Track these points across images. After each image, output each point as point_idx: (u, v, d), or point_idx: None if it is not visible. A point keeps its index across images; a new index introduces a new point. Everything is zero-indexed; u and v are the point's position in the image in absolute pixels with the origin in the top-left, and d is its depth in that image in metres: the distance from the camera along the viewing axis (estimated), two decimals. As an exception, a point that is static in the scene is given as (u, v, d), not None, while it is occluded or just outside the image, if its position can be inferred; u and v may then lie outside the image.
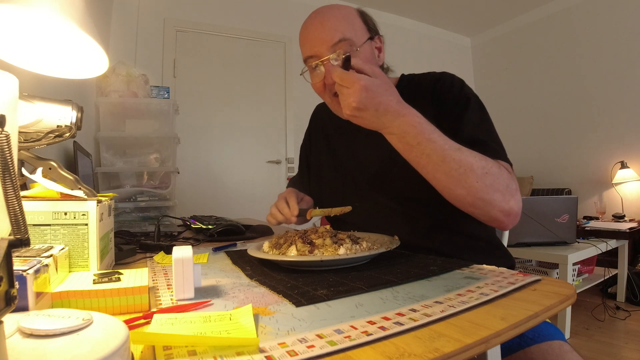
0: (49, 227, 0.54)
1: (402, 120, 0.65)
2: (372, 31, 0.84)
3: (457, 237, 0.82)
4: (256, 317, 0.40)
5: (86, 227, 0.55)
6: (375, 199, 0.87)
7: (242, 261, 0.71)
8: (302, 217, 0.88)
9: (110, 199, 0.69)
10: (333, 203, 0.86)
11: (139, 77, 2.01)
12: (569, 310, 2.03)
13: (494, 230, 0.90)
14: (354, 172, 0.92)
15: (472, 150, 0.67)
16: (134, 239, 0.99)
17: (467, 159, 0.66)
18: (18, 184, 0.27)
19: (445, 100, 0.80)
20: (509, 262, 0.84)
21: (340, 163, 0.96)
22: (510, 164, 0.74)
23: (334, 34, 0.78)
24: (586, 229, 2.60)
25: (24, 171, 0.59)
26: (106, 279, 0.46)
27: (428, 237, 0.81)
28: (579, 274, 2.44)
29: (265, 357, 0.31)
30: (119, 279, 0.47)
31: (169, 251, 0.77)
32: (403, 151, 0.68)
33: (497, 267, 0.58)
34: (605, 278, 2.48)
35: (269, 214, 0.90)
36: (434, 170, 0.67)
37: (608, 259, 2.53)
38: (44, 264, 0.41)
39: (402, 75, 0.94)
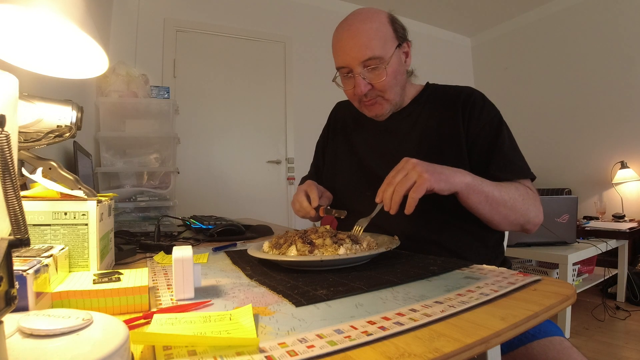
0: (49, 227, 0.54)
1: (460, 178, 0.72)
2: (401, 38, 0.86)
3: (464, 233, 0.83)
4: (256, 317, 0.40)
5: (86, 227, 0.55)
6: None
7: (242, 261, 0.71)
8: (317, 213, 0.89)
9: (110, 199, 0.69)
10: (349, 196, 0.93)
11: (139, 77, 2.01)
12: (569, 310, 2.03)
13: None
14: (375, 166, 0.93)
15: (508, 188, 0.77)
16: (134, 239, 0.99)
17: (506, 199, 0.75)
18: (18, 184, 0.27)
19: (477, 126, 0.84)
20: (507, 263, 0.85)
21: (360, 158, 0.97)
22: (534, 177, 0.83)
23: (365, 52, 0.80)
24: (586, 229, 2.60)
25: (24, 171, 0.59)
26: (106, 279, 0.46)
27: (439, 231, 0.83)
28: (579, 274, 2.44)
29: (265, 357, 0.31)
30: (119, 279, 0.47)
31: (169, 251, 0.78)
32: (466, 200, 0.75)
33: (497, 267, 0.58)
34: (605, 278, 2.48)
35: (296, 208, 0.91)
36: (486, 213, 0.76)
37: (608, 259, 2.53)
38: (44, 264, 0.41)
39: (428, 83, 0.96)
